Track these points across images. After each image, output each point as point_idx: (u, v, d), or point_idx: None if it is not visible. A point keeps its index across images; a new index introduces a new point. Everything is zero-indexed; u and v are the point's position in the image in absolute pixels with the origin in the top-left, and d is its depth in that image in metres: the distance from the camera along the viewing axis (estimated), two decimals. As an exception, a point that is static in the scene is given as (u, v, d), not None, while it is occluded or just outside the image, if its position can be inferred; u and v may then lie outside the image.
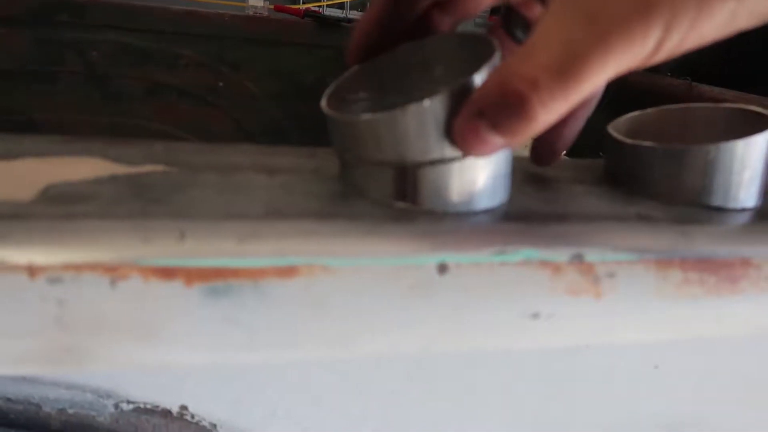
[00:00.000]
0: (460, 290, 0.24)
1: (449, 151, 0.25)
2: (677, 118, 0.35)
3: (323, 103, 0.27)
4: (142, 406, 0.39)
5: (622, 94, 0.97)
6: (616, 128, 0.34)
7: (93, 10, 1.52)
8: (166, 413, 0.39)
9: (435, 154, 0.25)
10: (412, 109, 0.24)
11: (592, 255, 0.25)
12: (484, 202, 0.27)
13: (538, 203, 0.29)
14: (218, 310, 0.21)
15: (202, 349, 0.22)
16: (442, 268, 0.24)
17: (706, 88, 0.85)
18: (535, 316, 0.25)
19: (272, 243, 0.22)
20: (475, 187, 0.26)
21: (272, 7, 1.69)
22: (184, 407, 0.39)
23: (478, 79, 0.24)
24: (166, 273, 0.21)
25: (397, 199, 0.26)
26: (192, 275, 0.21)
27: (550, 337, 0.25)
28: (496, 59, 0.25)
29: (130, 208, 0.23)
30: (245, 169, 0.29)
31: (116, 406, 0.38)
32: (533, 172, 0.34)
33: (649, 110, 0.36)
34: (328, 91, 0.29)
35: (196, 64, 1.58)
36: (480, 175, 0.26)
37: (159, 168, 0.28)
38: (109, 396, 0.38)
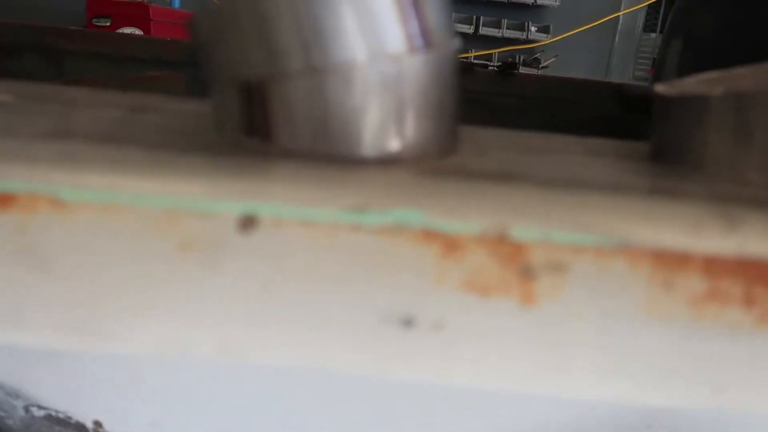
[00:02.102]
0: (271, 261, 0.14)
1: (313, 58, 0.16)
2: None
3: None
4: (53, 414, 0.33)
5: None
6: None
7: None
8: (81, 427, 0.33)
9: (289, 64, 0.16)
10: None
11: (524, 230, 0.14)
12: (378, 146, 0.17)
13: (492, 163, 0.18)
14: None
15: None
16: (247, 222, 0.14)
17: None
18: (408, 323, 0.14)
19: (-5, 161, 0.15)
20: (356, 117, 0.17)
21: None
22: (98, 423, 0.33)
23: None
24: None
25: (246, 132, 0.18)
26: None
27: (436, 363, 0.15)
28: None
29: None
30: (110, 106, 0.22)
31: (26, 409, 0.33)
32: (534, 143, 0.23)
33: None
34: None
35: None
36: (363, 100, 0.17)
37: (8, 98, 0.22)
38: (17, 396, 0.33)
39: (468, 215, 0.15)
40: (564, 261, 0.14)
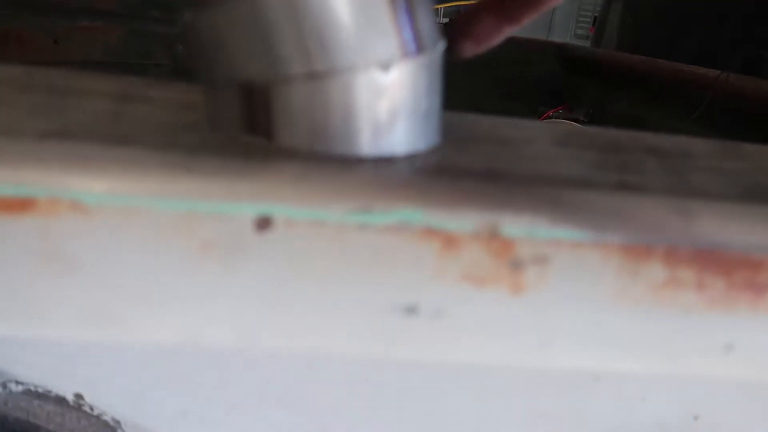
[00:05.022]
0: (285, 259, 0.16)
1: (315, 64, 0.17)
2: None
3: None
4: (32, 389, 0.33)
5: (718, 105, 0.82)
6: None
7: (181, 7, 1.57)
8: (61, 400, 0.34)
9: (291, 69, 0.17)
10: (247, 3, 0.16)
11: (513, 226, 0.16)
12: (375, 145, 0.18)
13: (476, 159, 0.20)
14: None
15: None
16: (263, 223, 0.16)
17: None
18: (411, 310, 0.16)
19: (11, 165, 0.15)
20: (354, 118, 0.18)
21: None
22: (79, 396, 0.33)
23: None
24: None
25: (246, 130, 0.18)
26: None
27: (436, 346, 0.16)
28: None
29: None
30: (93, 95, 0.22)
31: (4, 385, 0.33)
32: (507, 133, 0.25)
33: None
34: None
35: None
36: (361, 103, 0.18)
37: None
38: (-6, 373, 0.33)
39: (463, 214, 0.16)
40: (546, 254, 0.16)
